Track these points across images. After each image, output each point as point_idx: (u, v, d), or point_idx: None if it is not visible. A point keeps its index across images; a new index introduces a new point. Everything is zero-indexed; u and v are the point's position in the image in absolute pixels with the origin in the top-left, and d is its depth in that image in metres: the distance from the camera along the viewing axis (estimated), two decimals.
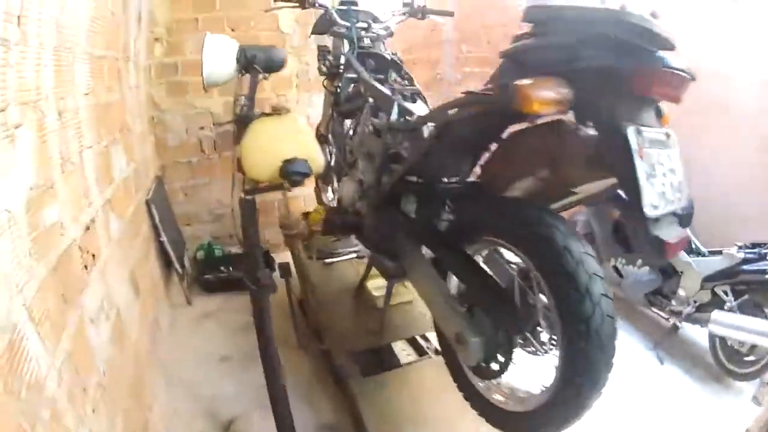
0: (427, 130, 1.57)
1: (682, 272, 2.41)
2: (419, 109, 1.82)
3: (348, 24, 2.27)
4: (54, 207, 1.15)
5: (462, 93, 1.30)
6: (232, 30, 3.17)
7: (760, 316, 2.16)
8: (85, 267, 1.36)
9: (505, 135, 1.39)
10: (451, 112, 1.36)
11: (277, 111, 1.71)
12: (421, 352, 2.30)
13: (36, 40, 1.10)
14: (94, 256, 1.44)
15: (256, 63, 1.80)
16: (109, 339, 1.50)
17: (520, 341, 1.40)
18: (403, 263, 1.71)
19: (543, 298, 1.27)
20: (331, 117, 2.48)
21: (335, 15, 2.26)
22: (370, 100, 1.99)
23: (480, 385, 1.55)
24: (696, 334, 2.64)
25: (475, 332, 1.36)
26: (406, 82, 2.12)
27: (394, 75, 2.12)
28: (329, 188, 2.96)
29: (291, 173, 1.56)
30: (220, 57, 1.79)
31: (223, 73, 1.80)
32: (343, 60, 2.34)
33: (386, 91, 1.92)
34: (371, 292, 2.38)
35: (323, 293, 2.37)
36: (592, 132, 1.11)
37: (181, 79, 3.12)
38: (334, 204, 2.94)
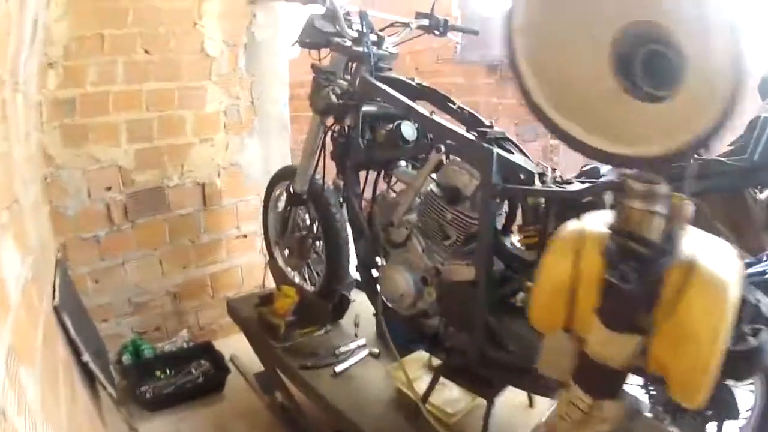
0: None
1: None
2: (523, 161, 1.30)
3: (355, 35, 1.65)
4: None
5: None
6: (146, 52, 2.34)
7: None
8: None
9: None
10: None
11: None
12: None
13: None
14: None
15: None
16: None
17: None
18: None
19: None
20: (341, 169, 1.77)
21: (343, 21, 1.61)
22: (442, 147, 1.39)
23: None
24: None
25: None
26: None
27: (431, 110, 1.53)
28: (303, 264, 2.26)
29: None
30: None
31: None
32: (359, 87, 1.64)
33: (469, 135, 1.35)
34: (443, 412, 1.53)
35: (358, 421, 1.51)
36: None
37: (80, 121, 2.18)
38: (310, 286, 2.28)
